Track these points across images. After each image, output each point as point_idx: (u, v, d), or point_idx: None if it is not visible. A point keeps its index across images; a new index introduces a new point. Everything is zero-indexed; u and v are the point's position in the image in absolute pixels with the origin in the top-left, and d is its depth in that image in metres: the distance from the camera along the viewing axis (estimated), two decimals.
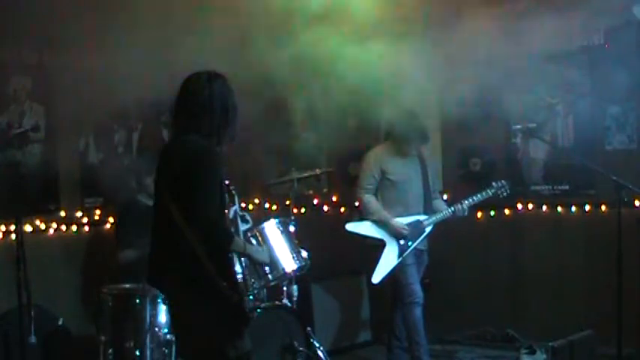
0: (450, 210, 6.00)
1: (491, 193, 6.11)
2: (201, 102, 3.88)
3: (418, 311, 5.90)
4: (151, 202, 4.35)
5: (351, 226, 6.05)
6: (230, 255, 4.05)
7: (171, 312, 4.23)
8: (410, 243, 5.90)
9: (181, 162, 3.83)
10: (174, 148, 3.97)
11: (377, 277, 5.90)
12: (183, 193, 3.78)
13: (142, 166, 5.77)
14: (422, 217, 6.00)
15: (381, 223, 5.93)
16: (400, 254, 5.88)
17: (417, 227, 5.95)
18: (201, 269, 3.76)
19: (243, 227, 5.13)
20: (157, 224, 3.96)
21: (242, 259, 4.74)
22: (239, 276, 4.61)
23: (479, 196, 6.07)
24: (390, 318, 6.16)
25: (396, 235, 5.89)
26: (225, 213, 4.10)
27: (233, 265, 4.11)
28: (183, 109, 3.94)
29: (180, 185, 3.80)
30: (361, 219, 6.05)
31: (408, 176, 6.03)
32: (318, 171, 6.34)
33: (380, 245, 5.91)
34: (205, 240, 3.76)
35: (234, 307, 3.84)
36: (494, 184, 6.17)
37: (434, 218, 6.00)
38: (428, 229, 5.99)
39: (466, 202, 6.00)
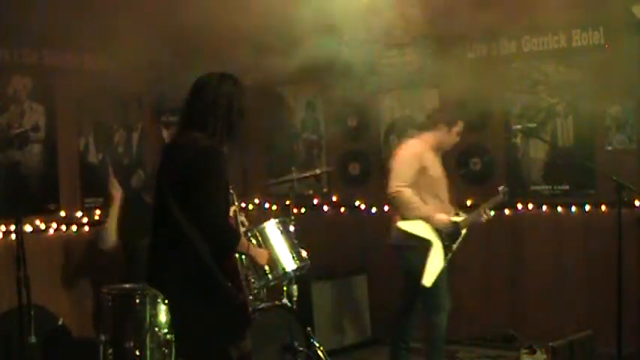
0: (475, 212, 5.73)
1: (502, 196, 5.78)
2: (208, 101, 3.89)
3: (445, 318, 5.67)
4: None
5: (404, 225, 5.60)
6: (235, 254, 4.04)
7: (171, 312, 4.22)
8: (453, 245, 5.66)
9: (184, 160, 3.81)
10: (177, 146, 3.96)
11: (428, 280, 5.53)
12: (186, 191, 3.77)
13: None
14: (456, 219, 5.71)
15: (426, 220, 5.55)
16: (445, 255, 5.63)
17: (456, 228, 5.67)
18: (202, 269, 3.75)
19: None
20: (157, 223, 3.93)
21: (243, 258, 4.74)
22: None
23: (492, 201, 5.76)
24: (399, 320, 5.87)
25: (444, 228, 5.56)
26: (229, 213, 4.10)
27: (237, 265, 4.10)
28: (190, 107, 3.96)
29: (183, 184, 3.79)
30: (403, 218, 5.62)
31: (441, 173, 5.75)
32: (318, 171, 6.34)
33: (395, 246, 5.68)
34: (211, 240, 3.76)
35: (237, 307, 3.84)
36: (500, 188, 5.82)
37: (468, 219, 5.71)
38: (464, 232, 5.73)
39: (488, 209, 5.71)
